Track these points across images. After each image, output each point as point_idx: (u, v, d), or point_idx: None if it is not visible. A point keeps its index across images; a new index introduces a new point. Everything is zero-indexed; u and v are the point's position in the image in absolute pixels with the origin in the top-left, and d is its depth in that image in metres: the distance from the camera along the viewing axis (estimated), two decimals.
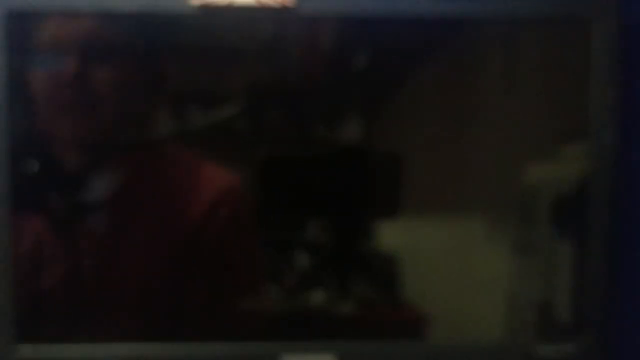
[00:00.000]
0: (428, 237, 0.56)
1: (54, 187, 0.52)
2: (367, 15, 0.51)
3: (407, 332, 0.56)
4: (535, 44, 0.54)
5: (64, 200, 0.53)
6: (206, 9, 0.50)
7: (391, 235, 0.55)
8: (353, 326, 0.55)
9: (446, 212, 0.56)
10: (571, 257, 0.54)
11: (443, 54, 0.54)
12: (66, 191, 0.53)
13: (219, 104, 0.53)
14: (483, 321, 0.57)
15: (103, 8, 0.50)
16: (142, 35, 0.51)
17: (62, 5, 0.50)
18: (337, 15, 0.51)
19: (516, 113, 0.55)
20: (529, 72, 0.55)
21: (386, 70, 0.54)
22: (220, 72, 0.53)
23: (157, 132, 0.54)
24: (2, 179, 0.49)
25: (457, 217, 0.56)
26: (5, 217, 0.49)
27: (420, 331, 0.56)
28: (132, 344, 0.51)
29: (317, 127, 0.54)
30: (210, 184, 0.56)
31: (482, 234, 0.56)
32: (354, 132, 0.54)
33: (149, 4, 0.50)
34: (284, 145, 0.54)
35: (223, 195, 0.56)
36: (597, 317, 0.53)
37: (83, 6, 0.50)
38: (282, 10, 0.50)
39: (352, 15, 0.51)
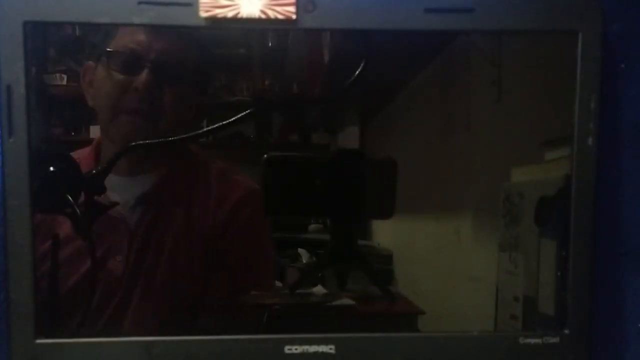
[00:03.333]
0: (421, 236, 0.58)
1: (75, 186, 0.54)
2: (364, 28, 0.52)
3: (401, 325, 0.58)
4: (523, 55, 0.56)
5: (84, 200, 0.54)
6: (214, 21, 0.51)
7: (387, 234, 0.58)
8: (351, 319, 0.58)
9: (438, 213, 0.58)
10: (555, 255, 0.57)
11: (435, 64, 0.56)
12: (87, 191, 0.54)
13: (227, 111, 0.55)
14: (472, 314, 0.59)
15: (115, 20, 0.51)
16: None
17: (76, 16, 0.51)
18: (335, 27, 0.53)
19: (505, 120, 0.57)
20: (518, 81, 0.57)
21: (382, 80, 0.56)
22: (227, 81, 0.56)
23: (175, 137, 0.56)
24: (23, 178, 0.50)
25: (448, 217, 0.58)
26: (25, 217, 0.50)
27: (413, 323, 0.58)
28: (144, 338, 0.52)
29: (318, 133, 0.57)
30: (235, 188, 0.59)
31: (471, 233, 0.58)
32: (352, 138, 0.56)
33: (160, 16, 0.51)
34: (287, 150, 0.56)
35: (245, 198, 0.59)
36: (578, 311, 0.55)
37: (95, 18, 0.51)
38: (285, 23, 0.52)
39: (350, 27, 0.53)
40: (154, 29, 0.54)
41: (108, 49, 0.55)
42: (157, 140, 0.56)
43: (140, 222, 0.58)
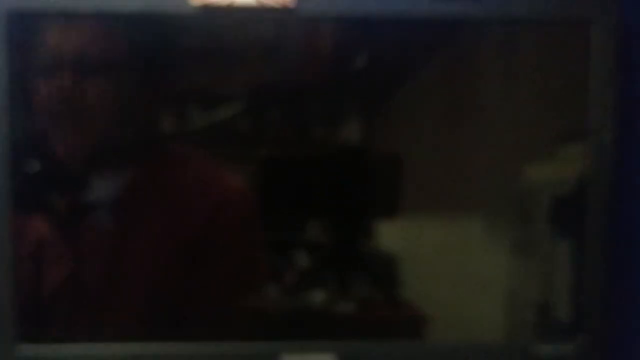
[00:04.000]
0: (427, 237, 0.56)
1: (56, 187, 0.53)
2: (366, 16, 0.51)
3: (406, 332, 0.56)
4: (535, 46, 0.55)
5: (66, 201, 0.53)
6: (206, 10, 0.50)
7: (390, 235, 0.56)
8: (352, 326, 0.56)
9: (445, 212, 0.56)
10: (570, 257, 0.55)
11: (442, 55, 0.54)
12: (68, 192, 0.53)
13: (220, 104, 0.53)
14: (482, 321, 0.57)
15: (103, 9, 0.50)
16: (143, 36, 0.51)
17: (62, 5, 0.50)
18: (336, 16, 0.51)
19: (515, 114, 0.55)
20: (529, 73, 0.56)
21: (385, 71, 0.54)
22: (220, 72, 0.54)
23: (161, 132, 0.55)
24: (4, 179, 0.49)
25: (457, 217, 0.56)
26: (6, 218, 0.49)
27: (419, 331, 0.56)
28: (131, 343, 0.51)
29: (317, 128, 0.55)
30: (217, 185, 0.57)
31: (481, 234, 0.57)
32: (354, 133, 0.54)
33: (149, 5, 0.50)
34: (285, 146, 0.54)
35: (229, 196, 0.56)
36: (595, 317, 0.53)
37: (83, 7, 0.50)
38: (282, 11, 0.50)
39: (352, 16, 0.51)
40: (77, 25, 0.51)
41: (39, 56, 0.53)
42: (145, 136, 0.55)
43: (111, 226, 0.55)
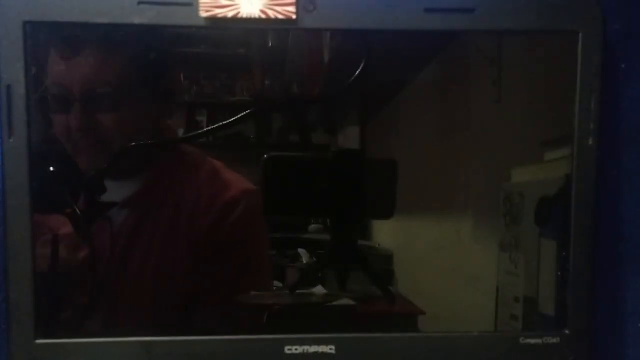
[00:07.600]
0: (422, 236, 0.58)
1: (74, 187, 0.54)
2: (364, 28, 0.52)
3: (401, 325, 0.58)
4: (524, 55, 0.57)
5: (82, 201, 0.55)
6: (214, 21, 0.51)
7: (387, 234, 0.58)
8: (351, 319, 0.58)
9: (438, 213, 0.58)
10: (555, 255, 0.56)
11: (435, 64, 0.56)
12: (84, 193, 0.55)
13: (226, 111, 0.55)
14: (472, 314, 0.59)
15: (116, 20, 0.51)
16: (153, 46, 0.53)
17: (76, 16, 0.51)
18: (335, 27, 0.53)
19: (504, 120, 0.57)
20: (517, 81, 0.57)
21: (382, 79, 0.56)
22: (227, 81, 0.55)
23: (172, 137, 0.56)
24: (22, 179, 0.51)
25: (448, 217, 0.58)
26: (25, 217, 0.51)
27: (413, 323, 0.58)
28: (143, 338, 0.52)
29: (318, 133, 0.57)
30: (225, 188, 0.58)
31: (471, 233, 0.58)
32: (353, 138, 0.56)
33: (159, 15, 0.51)
34: (287, 150, 0.56)
35: (235, 198, 0.58)
36: (578, 311, 0.55)
37: (95, 17, 0.51)
38: (285, 22, 0.52)
39: (349, 27, 0.52)
40: (74, 58, 0.53)
41: (41, 93, 0.54)
42: (153, 142, 0.56)
43: (123, 226, 0.57)
